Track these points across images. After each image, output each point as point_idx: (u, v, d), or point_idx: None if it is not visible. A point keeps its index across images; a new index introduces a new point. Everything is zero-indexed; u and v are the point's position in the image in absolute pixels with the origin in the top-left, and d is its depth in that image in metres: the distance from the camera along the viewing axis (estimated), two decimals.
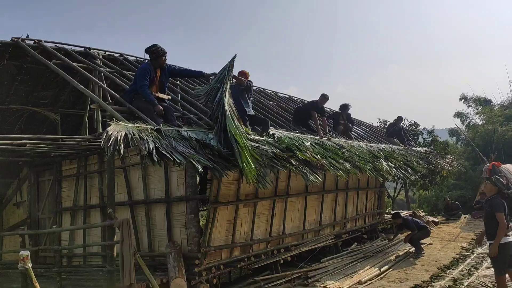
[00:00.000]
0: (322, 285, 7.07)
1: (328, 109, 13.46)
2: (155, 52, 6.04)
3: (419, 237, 9.57)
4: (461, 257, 8.88)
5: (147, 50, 6.09)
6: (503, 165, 15.17)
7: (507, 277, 5.58)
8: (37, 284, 4.23)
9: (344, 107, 11.26)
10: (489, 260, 8.34)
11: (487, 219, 5.61)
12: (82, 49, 7.76)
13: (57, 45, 7.48)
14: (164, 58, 6.12)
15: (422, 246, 10.23)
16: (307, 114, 9.69)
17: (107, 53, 8.17)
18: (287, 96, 13.76)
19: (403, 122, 16.08)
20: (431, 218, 14.05)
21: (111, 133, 4.34)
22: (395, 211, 11.92)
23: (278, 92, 13.27)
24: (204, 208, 7.65)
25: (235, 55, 8.13)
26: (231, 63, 6.43)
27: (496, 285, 6.47)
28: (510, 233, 5.59)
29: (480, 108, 26.23)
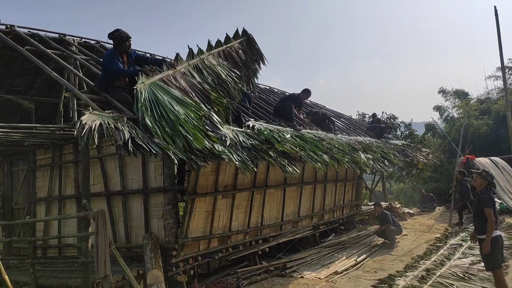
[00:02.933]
0: (299, 276, 7.15)
1: (309, 101, 13.54)
2: (118, 37, 5.81)
3: (394, 231, 9.76)
4: (435, 247, 9.11)
5: (110, 36, 5.88)
6: (477, 159, 15.57)
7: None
8: (5, 276, 4.11)
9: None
10: (461, 250, 8.62)
11: (476, 213, 5.50)
12: (57, 35, 7.53)
13: (31, 30, 7.24)
14: (128, 43, 5.91)
15: (397, 237, 10.48)
16: (287, 106, 9.67)
17: (83, 40, 7.95)
18: (268, 88, 13.74)
19: (381, 116, 16.44)
20: (406, 210, 14.37)
21: (85, 123, 4.24)
22: (377, 201, 12.08)
23: (258, 83, 13.22)
24: (183, 199, 7.61)
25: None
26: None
27: (465, 274, 6.67)
28: (498, 226, 5.60)
29: (458, 101, 26.75)
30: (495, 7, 7.43)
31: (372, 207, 11.57)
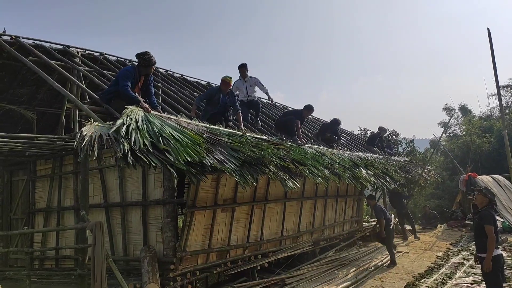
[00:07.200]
0: None
1: (310, 117, 13.53)
2: (147, 60, 6.00)
3: (390, 241, 9.51)
4: (436, 266, 8.99)
5: (139, 55, 6.03)
6: (479, 176, 15.47)
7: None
8: None
9: (333, 123, 11.45)
10: (462, 269, 8.50)
11: (477, 231, 5.46)
12: (61, 47, 7.62)
13: (35, 41, 7.33)
14: (152, 68, 6.11)
15: (399, 253, 10.35)
16: (290, 121, 9.66)
17: (87, 52, 8.04)
18: (270, 102, 13.76)
19: (385, 132, 16.43)
20: (407, 227, 14.20)
21: (85, 134, 4.24)
22: (370, 194, 11.93)
23: (260, 98, 13.26)
24: (182, 213, 7.56)
25: None
26: None
27: None
28: (499, 246, 5.52)
29: (462, 118, 26.80)
30: (488, 29, 7.49)
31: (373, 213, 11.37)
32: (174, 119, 5.89)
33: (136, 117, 5.05)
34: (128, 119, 4.94)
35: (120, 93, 5.84)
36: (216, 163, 5.01)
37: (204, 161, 4.88)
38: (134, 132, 4.65)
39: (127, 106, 5.44)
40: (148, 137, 4.72)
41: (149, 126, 5.01)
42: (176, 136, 5.04)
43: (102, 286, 4.86)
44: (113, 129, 4.61)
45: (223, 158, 5.25)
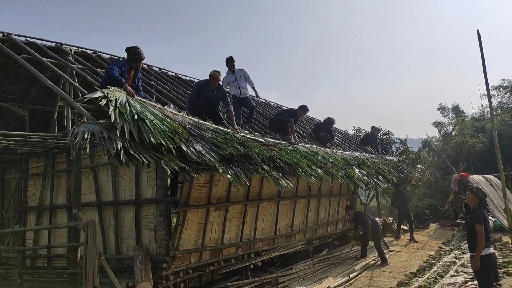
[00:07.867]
0: None
1: (305, 116, 13.56)
2: (137, 53, 6.03)
3: (378, 241, 9.53)
4: (428, 265, 9.06)
5: (129, 49, 6.04)
6: (471, 176, 15.59)
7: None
8: None
9: (327, 122, 11.47)
10: (454, 268, 8.57)
11: (469, 230, 5.52)
12: (54, 44, 7.57)
13: (28, 39, 7.28)
14: (141, 62, 6.11)
15: (391, 252, 10.42)
16: (284, 120, 9.67)
17: (80, 49, 7.99)
18: (264, 101, 13.79)
19: (378, 132, 16.53)
20: (403, 227, 14.29)
21: (78, 132, 4.22)
22: (347, 205, 11.92)
23: (254, 97, 13.27)
24: (175, 211, 7.54)
25: None
26: None
27: None
28: (491, 245, 5.51)
29: (454, 118, 27.09)
30: (478, 31, 7.54)
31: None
32: (159, 107, 5.83)
33: (117, 97, 4.99)
34: (109, 96, 4.88)
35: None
36: (194, 154, 4.97)
37: (180, 149, 4.83)
38: (111, 105, 4.58)
39: (109, 87, 5.37)
40: (125, 115, 4.65)
41: (128, 107, 4.95)
42: (154, 122, 4.99)
43: (94, 284, 4.84)
44: (86, 98, 4.58)
45: (202, 149, 5.21)
